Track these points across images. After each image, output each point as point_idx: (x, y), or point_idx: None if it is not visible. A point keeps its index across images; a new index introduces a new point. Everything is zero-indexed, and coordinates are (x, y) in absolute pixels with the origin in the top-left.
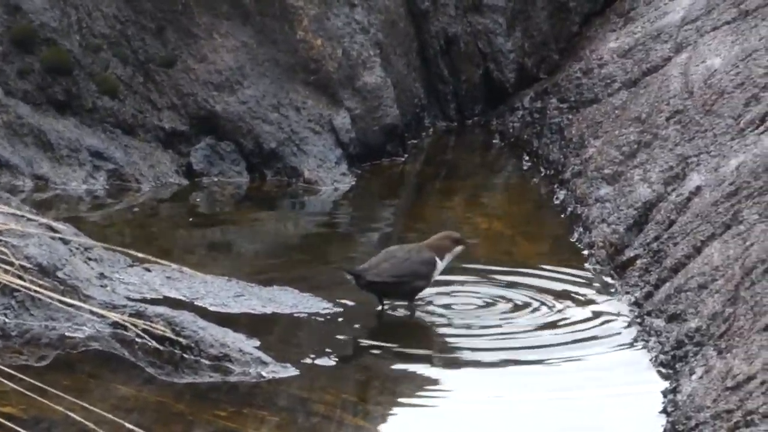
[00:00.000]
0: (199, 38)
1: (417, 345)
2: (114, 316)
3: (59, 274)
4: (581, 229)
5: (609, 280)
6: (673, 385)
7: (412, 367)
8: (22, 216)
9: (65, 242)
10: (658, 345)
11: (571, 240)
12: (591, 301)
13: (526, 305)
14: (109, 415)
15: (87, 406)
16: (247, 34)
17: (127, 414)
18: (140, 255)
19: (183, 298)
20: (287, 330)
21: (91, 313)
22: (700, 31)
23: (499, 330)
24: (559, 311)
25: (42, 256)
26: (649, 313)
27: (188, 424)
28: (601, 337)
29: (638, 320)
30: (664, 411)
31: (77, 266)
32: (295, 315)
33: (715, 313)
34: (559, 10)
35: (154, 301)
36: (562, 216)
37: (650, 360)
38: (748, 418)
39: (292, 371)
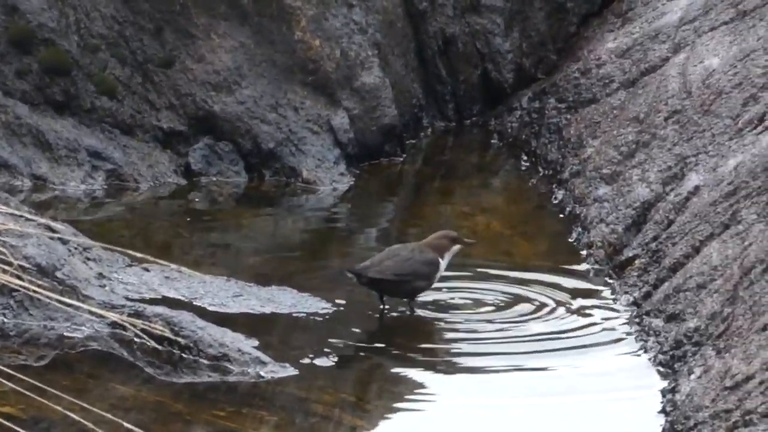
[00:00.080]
0: (197, 39)
1: (416, 345)
2: (113, 316)
3: (58, 274)
4: (580, 229)
5: (607, 280)
6: (672, 385)
7: (410, 368)
8: (21, 216)
9: (64, 242)
10: (657, 345)
11: (570, 240)
12: (589, 301)
13: (524, 305)
14: (108, 415)
15: (86, 405)
16: (244, 35)
17: (126, 414)
18: (139, 255)
19: (182, 298)
20: (286, 330)
21: (90, 313)
22: (698, 32)
23: (497, 330)
24: (558, 311)
25: (41, 256)
26: (647, 313)
27: (187, 424)
28: (600, 337)
29: (637, 320)
30: (663, 411)
31: (76, 266)
32: (294, 315)
33: (713, 312)
34: (556, 10)
35: (152, 301)
36: (561, 216)
37: (649, 360)
38: (747, 417)
39: (290, 371)
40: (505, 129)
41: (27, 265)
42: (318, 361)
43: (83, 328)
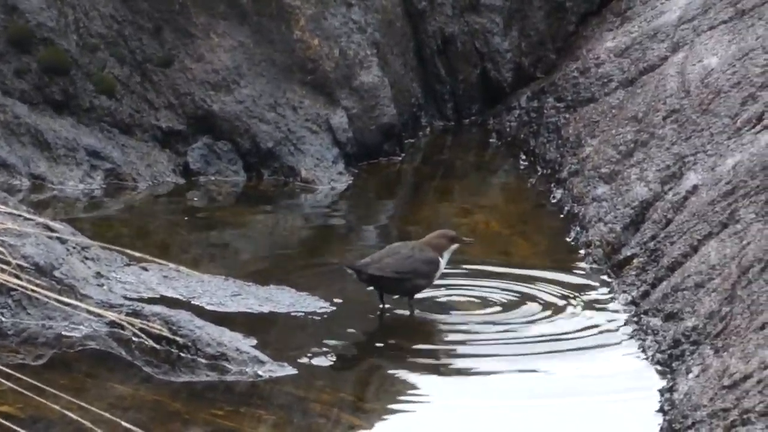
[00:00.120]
0: (196, 38)
1: (414, 345)
2: (111, 315)
3: (56, 273)
4: (578, 229)
5: (606, 279)
6: (670, 384)
7: (409, 367)
8: (19, 215)
9: (62, 241)
10: (655, 344)
11: (568, 239)
12: (588, 301)
13: (523, 305)
14: (106, 414)
15: (84, 404)
16: (243, 34)
17: (124, 413)
18: (137, 254)
19: (180, 297)
20: (284, 329)
21: (88, 312)
22: (697, 31)
23: (496, 330)
24: (556, 311)
25: (39, 256)
26: (645, 312)
27: (185, 423)
28: (598, 337)
29: (635, 319)
30: (661, 410)
31: (74, 265)
32: (292, 314)
33: (711, 311)
34: (555, 9)
35: (151, 300)
36: (559, 215)
37: (647, 359)
38: (745, 416)
39: (289, 370)
40: (504, 128)
41: (25, 265)
42: (316, 361)
43: (81, 327)
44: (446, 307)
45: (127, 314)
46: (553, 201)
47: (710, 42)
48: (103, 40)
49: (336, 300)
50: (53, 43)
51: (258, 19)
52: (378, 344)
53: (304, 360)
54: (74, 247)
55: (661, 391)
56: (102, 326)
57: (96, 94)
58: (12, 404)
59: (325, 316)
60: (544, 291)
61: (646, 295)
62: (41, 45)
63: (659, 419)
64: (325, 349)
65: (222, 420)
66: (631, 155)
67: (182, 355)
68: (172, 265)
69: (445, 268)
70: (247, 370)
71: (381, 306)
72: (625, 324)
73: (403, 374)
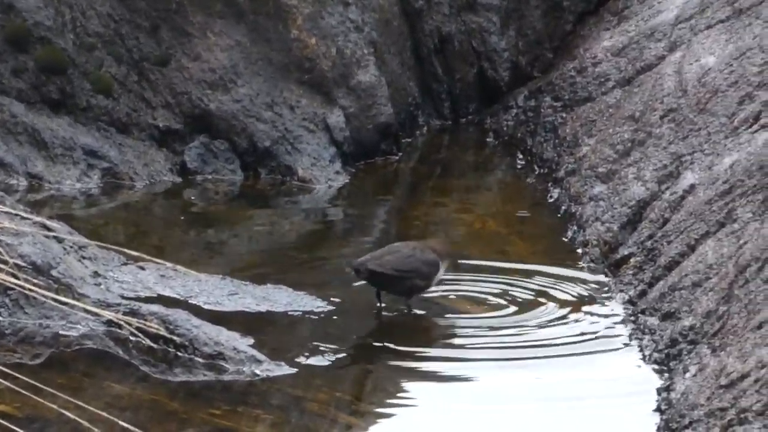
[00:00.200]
0: (193, 37)
1: (411, 344)
2: (108, 315)
3: (53, 272)
4: (575, 228)
5: (603, 278)
6: (667, 383)
7: (406, 366)
8: (16, 214)
9: (59, 241)
10: (652, 343)
11: (565, 239)
12: (585, 300)
13: (520, 304)
14: (103, 413)
15: (81, 404)
16: (240, 33)
17: (121, 412)
18: (134, 253)
19: (177, 297)
20: (281, 328)
21: (85, 311)
22: (694, 30)
23: (492, 329)
24: (554, 310)
25: (36, 255)
26: (643, 312)
27: (182, 423)
28: (595, 336)
29: (632, 318)
30: (658, 409)
31: (71, 265)
32: (290, 313)
33: (709, 311)
34: (552, 8)
35: (148, 300)
36: (556, 215)
37: (644, 358)
38: (742, 416)
39: (286, 370)
40: (501, 127)
41: (22, 264)
42: (313, 360)
43: (78, 326)
44: (443, 307)
45: (125, 313)
46: (550, 200)
47: (707, 41)
48: (100, 39)
49: (333, 299)
50: (50, 42)
51: (255, 18)
52: (375, 343)
53: (302, 359)
54: (71, 247)
55: (658, 391)
56: (99, 325)
57: (93, 93)
58: (9, 403)
59: (323, 315)
60: (540, 290)
61: (643, 294)
62: (38, 44)
63: (656, 418)
64: (322, 348)
65: (219, 419)
66: (628, 154)
67: (179, 354)
68: (169, 264)
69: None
70: (244, 369)
71: (378, 305)
72: (622, 323)
73: (400, 373)
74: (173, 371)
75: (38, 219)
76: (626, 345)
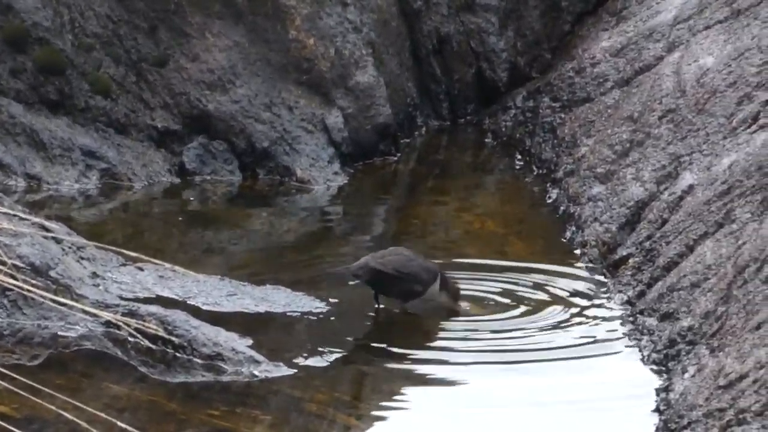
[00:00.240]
0: (192, 38)
1: (410, 344)
2: (106, 315)
3: (52, 273)
4: (574, 228)
5: (601, 278)
6: (666, 384)
7: (405, 367)
8: (15, 215)
9: (58, 241)
10: (651, 344)
11: (564, 239)
12: (583, 300)
13: (519, 305)
14: (102, 414)
15: (79, 405)
16: (239, 34)
17: (120, 413)
18: (133, 254)
19: (175, 297)
20: (280, 329)
21: (84, 312)
22: (693, 30)
23: (491, 329)
24: (552, 310)
25: (34, 256)
26: (641, 312)
27: (181, 423)
28: (594, 336)
29: (631, 319)
30: (657, 410)
31: (70, 265)
32: (288, 314)
33: (707, 311)
34: (551, 9)
35: (146, 300)
36: (555, 215)
37: (643, 359)
38: (741, 416)
39: (284, 370)
40: (500, 128)
41: (21, 265)
42: (312, 361)
43: (77, 327)
44: (442, 308)
45: (123, 314)
46: (549, 201)
47: (706, 42)
48: (98, 39)
49: (331, 300)
50: (48, 43)
51: (253, 19)
52: (373, 344)
53: (300, 360)
54: (70, 247)
55: (657, 391)
56: (98, 326)
57: (91, 94)
58: (8, 404)
59: (321, 316)
60: (539, 291)
61: (641, 294)
62: (36, 45)
63: (655, 419)
64: (320, 349)
65: (218, 420)
66: (627, 155)
67: (178, 355)
68: (167, 265)
69: (443, 269)
70: (242, 370)
71: (376, 306)
72: (620, 324)
73: (398, 374)
74: (172, 372)
75: (37, 220)
76: (624, 345)
